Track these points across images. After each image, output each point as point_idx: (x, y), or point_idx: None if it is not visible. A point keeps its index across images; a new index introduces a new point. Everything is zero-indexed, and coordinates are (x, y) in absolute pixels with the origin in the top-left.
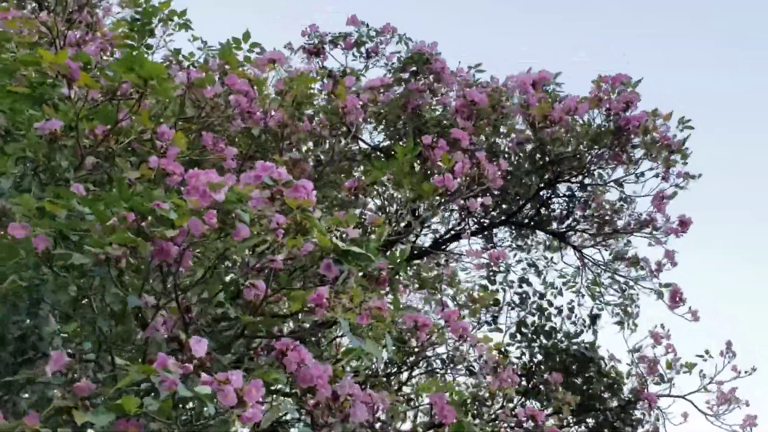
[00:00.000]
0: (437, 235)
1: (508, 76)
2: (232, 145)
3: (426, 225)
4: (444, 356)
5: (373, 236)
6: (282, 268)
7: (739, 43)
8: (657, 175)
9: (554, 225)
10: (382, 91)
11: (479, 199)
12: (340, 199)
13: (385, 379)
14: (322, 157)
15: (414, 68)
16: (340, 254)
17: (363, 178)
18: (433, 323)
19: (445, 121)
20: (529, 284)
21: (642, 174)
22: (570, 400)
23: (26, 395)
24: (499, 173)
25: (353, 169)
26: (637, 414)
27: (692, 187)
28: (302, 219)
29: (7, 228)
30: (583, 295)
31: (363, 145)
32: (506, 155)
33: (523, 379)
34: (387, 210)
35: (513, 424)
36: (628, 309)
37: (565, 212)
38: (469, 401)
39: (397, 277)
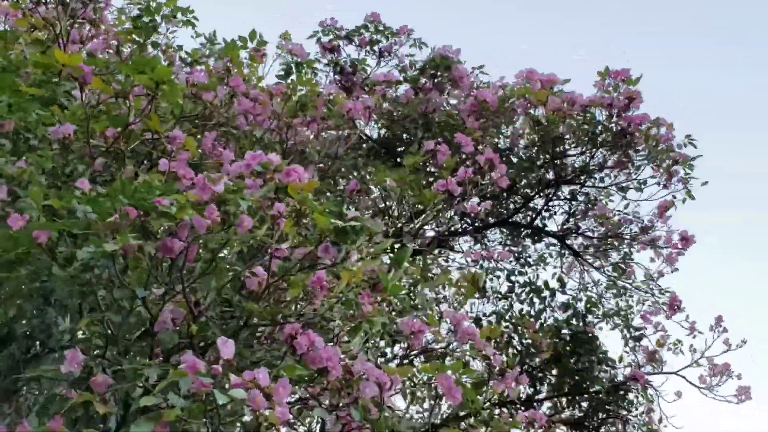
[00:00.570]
0: (435, 234)
1: (517, 73)
2: (235, 144)
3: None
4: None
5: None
6: (286, 255)
7: (738, 41)
8: (658, 183)
9: (554, 228)
10: (385, 88)
11: (481, 204)
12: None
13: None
14: (327, 153)
15: (433, 72)
16: (338, 234)
17: (367, 177)
18: (430, 328)
19: (452, 122)
20: (522, 273)
21: (644, 182)
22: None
23: (34, 392)
24: (503, 175)
25: (359, 164)
26: (630, 396)
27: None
28: (301, 204)
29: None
30: (580, 298)
31: (366, 139)
32: (509, 155)
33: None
34: (389, 210)
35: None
36: (627, 317)
37: (566, 216)
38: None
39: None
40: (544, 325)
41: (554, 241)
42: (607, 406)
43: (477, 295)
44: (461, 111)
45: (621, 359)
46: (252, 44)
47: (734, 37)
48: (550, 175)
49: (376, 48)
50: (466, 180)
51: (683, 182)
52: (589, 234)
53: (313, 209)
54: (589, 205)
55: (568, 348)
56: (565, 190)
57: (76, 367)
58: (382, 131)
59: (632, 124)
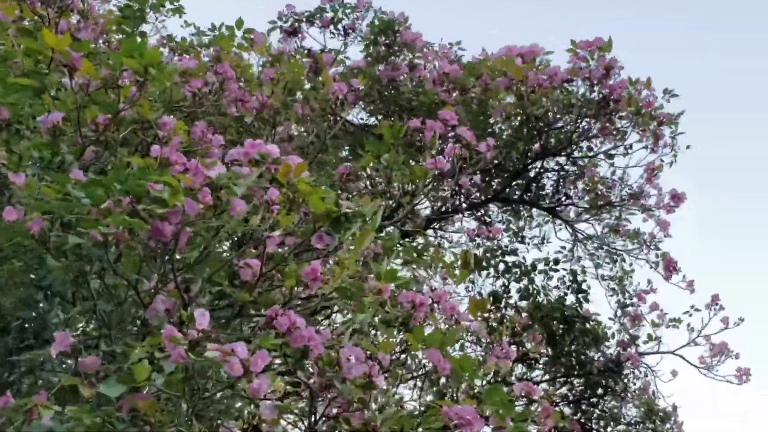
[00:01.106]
0: (429, 213)
1: (497, 51)
2: (224, 132)
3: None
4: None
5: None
6: (279, 243)
7: (709, 26)
8: (646, 147)
9: (546, 200)
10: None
11: (472, 179)
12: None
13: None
14: (312, 139)
15: (386, 40)
16: (333, 221)
17: (353, 163)
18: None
19: (423, 97)
20: (516, 254)
21: (630, 146)
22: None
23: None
24: (489, 150)
25: (341, 148)
26: (626, 372)
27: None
28: (293, 191)
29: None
30: (578, 271)
31: (348, 123)
32: (494, 130)
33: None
34: (379, 191)
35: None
36: (624, 281)
37: (555, 187)
38: None
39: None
40: (541, 303)
41: (546, 214)
42: (603, 382)
43: (472, 275)
44: (428, 84)
45: (613, 335)
46: (239, 32)
47: (705, 21)
48: (537, 148)
49: (339, 27)
50: (455, 156)
51: (670, 146)
52: (581, 204)
53: (308, 192)
54: (578, 173)
55: (561, 328)
56: (552, 162)
57: (65, 348)
58: (356, 112)
59: (614, 92)
